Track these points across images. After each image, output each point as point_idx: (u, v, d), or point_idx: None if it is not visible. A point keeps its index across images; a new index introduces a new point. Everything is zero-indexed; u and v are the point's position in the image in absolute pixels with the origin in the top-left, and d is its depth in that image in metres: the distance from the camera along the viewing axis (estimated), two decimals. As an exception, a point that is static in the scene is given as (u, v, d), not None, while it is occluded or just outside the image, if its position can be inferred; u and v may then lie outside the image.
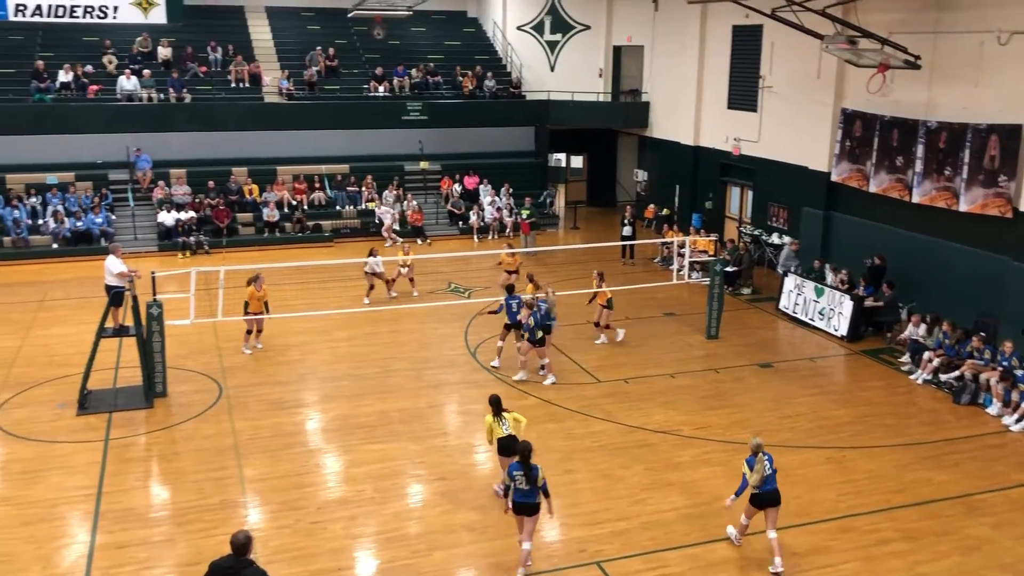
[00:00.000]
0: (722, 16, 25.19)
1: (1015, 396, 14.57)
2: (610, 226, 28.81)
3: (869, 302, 18.58)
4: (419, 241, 26.50)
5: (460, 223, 28.17)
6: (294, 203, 27.30)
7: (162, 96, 27.23)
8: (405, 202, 27.64)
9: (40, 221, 24.92)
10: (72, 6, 19.55)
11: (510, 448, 11.11)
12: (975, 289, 17.55)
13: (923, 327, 17.20)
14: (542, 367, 16.03)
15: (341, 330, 18.52)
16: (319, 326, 18.49)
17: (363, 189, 28.07)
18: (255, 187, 27.39)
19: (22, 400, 14.82)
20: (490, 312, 17.50)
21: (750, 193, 25.48)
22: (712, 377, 16.39)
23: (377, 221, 27.03)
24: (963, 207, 17.60)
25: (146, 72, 27.62)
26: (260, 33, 31.53)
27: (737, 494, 10.44)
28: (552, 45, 32.18)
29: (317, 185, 28.08)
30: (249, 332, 17.22)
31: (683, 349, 17.88)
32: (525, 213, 26.41)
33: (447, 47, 33.01)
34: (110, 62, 27.99)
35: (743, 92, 24.99)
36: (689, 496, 11.91)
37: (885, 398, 15.57)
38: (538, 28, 32.11)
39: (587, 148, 32.48)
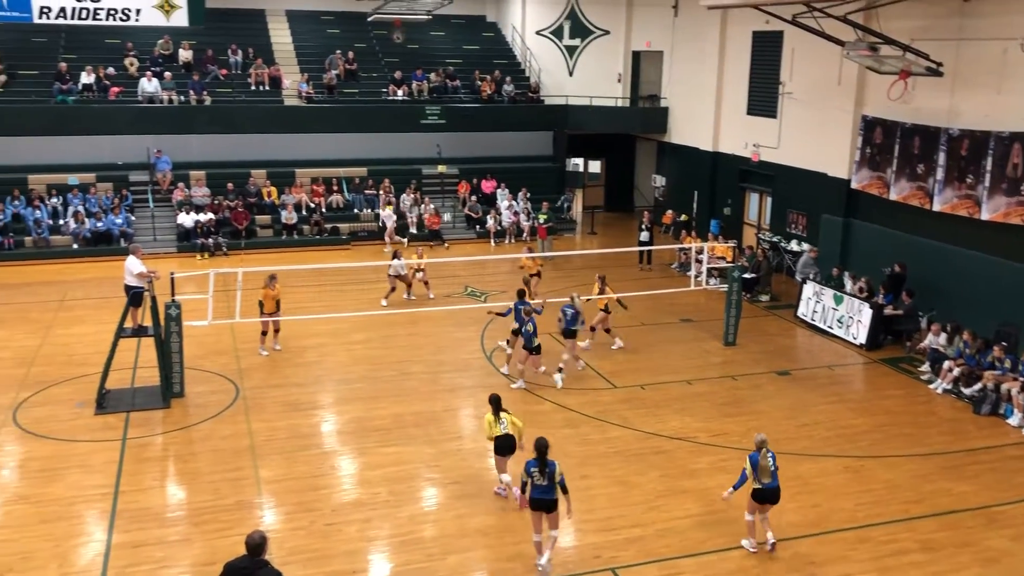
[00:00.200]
0: (742, 22, 25.11)
1: (1037, 407, 14.42)
2: (628, 231, 28.73)
3: (888, 310, 18.44)
4: (432, 245, 26.44)
5: (477, 227, 28.19)
6: (312, 206, 27.40)
7: (182, 98, 27.41)
8: (422, 205, 27.69)
9: (61, 221, 25.15)
10: (95, 8, 19.66)
11: (506, 447, 11.57)
12: (996, 298, 17.37)
13: (943, 336, 17.03)
14: (560, 369, 16.02)
15: (358, 332, 18.56)
16: (336, 328, 18.54)
17: (380, 192, 28.14)
18: (273, 189, 27.53)
19: (41, 399, 14.94)
20: (498, 314, 17.47)
21: (769, 199, 25.35)
22: (729, 384, 16.30)
23: (380, 225, 27.01)
24: (985, 215, 17.44)
25: (167, 74, 27.85)
26: (280, 36, 31.69)
27: (735, 487, 10.56)
28: (571, 50, 32.16)
29: (335, 188, 28.17)
30: (264, 333, 17.28)
31: (700, 356, 17.79)
32: (542, 218, 26.39)
33: (466, 51, 33.05)
34: (132, 64, 28.21)
35: (763, 98, 24.88)
36: (705, 503, 11.84)
37: (904, 407, 15.43)
38: (557, 33, 32.11)
39: (605, 153, 32.42)
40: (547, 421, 14.13)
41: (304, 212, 27.13)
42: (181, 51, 29.10)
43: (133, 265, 14.78)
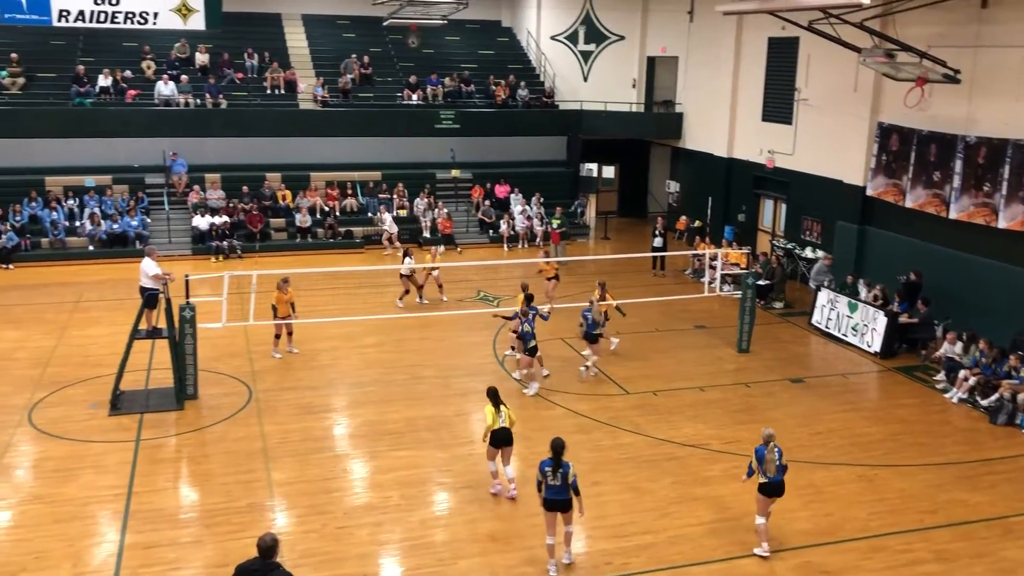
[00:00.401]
0: (758, 28, 25.04)
1: (1053, 417, 14.29)
2: (641, 237, 28.69)
3: (903, 318, 18.32)
4: (443, 248, 26.38)
5: (490, 231, 28.20)
6: (326, 209, 27.47)
7: (199, 101, 27.57)
8: (436, 209, 27.73)
9: (77, 223, 25.31)
10: (113, 12, 19.82)
11: (503, 439, 11.67)
12: (1013, 307, 17.22)
13: (959, 345, 16.91)
14: (546, 376, 16.09)
15: (371, 336, 18.59)
16: (349, 332, 18.58)
17: (394, 196, 28.19)
18: (288, 193, 27.62)
19: (56, 399, 15.03)
20: (505, 318, 17.46)
21: (783, 206, 25.25)
22: (742, 391, 16.23)
23: (378, 221, 26.96)
24: (1002, 223, 17.31)
25: (183, 77, 28.03)
26: (296, 40, 31.84)
27: (748, 476, 10.73)
28: (586, 55, 32.16)
29: (349, 192, 28.24)
30: (277, 336, 17.33)
31: (713, 362, 17.73)
32: (556, 223, 26.37)
33: (481, 56, 33.11)
34: (148, 67, 28.41)
35: (778, 104, 24.80)
36: (717, 511, 11.78)
37: (919, 416, 15.32)
38: (572, 38, 32.12)
39: (619, 158, 32.35)
40: (559, 426, 14.09)
41: (318, 215, 27.20)
42: (198, 54, 29.28)
43: (148, 267, 14.87)
